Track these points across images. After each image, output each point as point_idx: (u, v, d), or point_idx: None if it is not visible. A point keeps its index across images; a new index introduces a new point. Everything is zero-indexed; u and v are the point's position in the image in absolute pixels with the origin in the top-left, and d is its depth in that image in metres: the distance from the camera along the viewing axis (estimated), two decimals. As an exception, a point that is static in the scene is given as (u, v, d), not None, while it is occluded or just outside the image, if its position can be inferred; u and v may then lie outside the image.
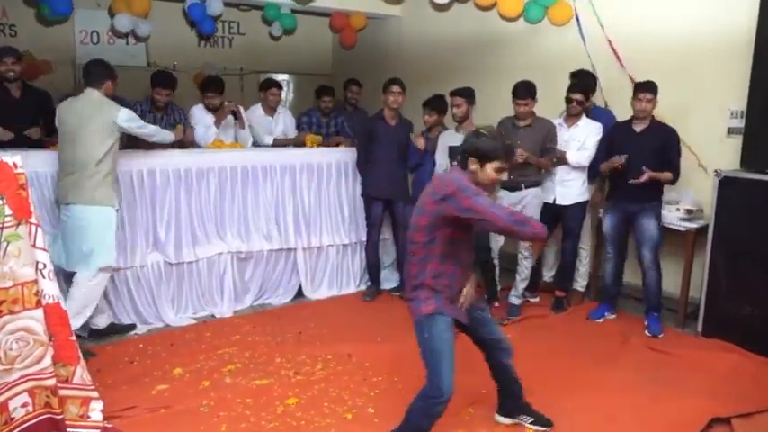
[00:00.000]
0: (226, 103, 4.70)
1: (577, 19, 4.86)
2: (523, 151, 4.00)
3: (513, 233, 2.32)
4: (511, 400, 2.84)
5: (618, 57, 4.60)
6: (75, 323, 3.49)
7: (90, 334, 3.76)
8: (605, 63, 4.73)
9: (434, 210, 2.38)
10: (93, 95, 3.50)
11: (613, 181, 4.12)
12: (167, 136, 3.89)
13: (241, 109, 4.82)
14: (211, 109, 4.72)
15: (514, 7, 5.25)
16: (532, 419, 2.86)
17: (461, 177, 2.40)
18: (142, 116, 4.53)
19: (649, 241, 3.96)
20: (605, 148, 4.09)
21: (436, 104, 4.46)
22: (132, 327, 3.95)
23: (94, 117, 3.43)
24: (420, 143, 4.51)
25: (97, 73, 3.54)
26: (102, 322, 3.78)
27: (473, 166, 2.42)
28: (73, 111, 3.47)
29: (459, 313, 2.54)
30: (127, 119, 3.52)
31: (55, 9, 5.54)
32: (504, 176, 2.47)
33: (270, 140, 5.02)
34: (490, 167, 2.40)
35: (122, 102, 4.62)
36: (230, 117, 4.74)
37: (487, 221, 2.28)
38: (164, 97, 4.56)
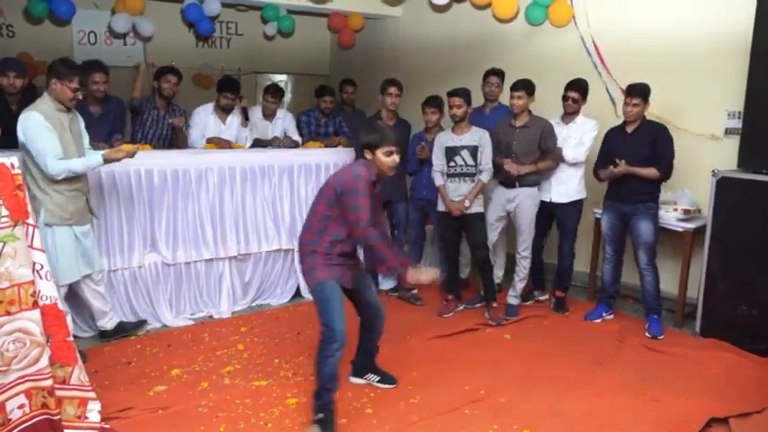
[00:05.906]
0: (240, 100, 4.84)
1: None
2: (519, 167, 4.00)
3: (372, 249, 2.76)
4: (366, 357, 3.17)
5: (603, 61, 4.68)
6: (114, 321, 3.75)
7: (101, 335, 3.76)
8: (609, 63, 4.73)
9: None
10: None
11: (609, 181, 4.12)
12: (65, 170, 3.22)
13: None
14: (225, 109, 4.79)
15: (509, 8, 5.26)
16: (379, 378, 3.19)
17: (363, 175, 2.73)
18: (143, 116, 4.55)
19: (644, 244, 3.96)
20: (601, 151, 4.11)
21: (439, 103, 4.43)
22: (143, 323, 3.95)
23: None
24: (424, 153, 4.45)
25: (47, 78, 3.30)
26: (109, 324, 3.76)
27: (369, 156, 2.79)
28: None
29: (344, 279, 2.86)
30: (22, 129, 3.15)
31: (58, 11, 5.52)
32: (396, 158, 2.79)
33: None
34: (380, 153, 2.76)
35: (119, 103, 4.62)
36: (237, 115, 4.86)
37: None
38: (171, 85, 4.53)
